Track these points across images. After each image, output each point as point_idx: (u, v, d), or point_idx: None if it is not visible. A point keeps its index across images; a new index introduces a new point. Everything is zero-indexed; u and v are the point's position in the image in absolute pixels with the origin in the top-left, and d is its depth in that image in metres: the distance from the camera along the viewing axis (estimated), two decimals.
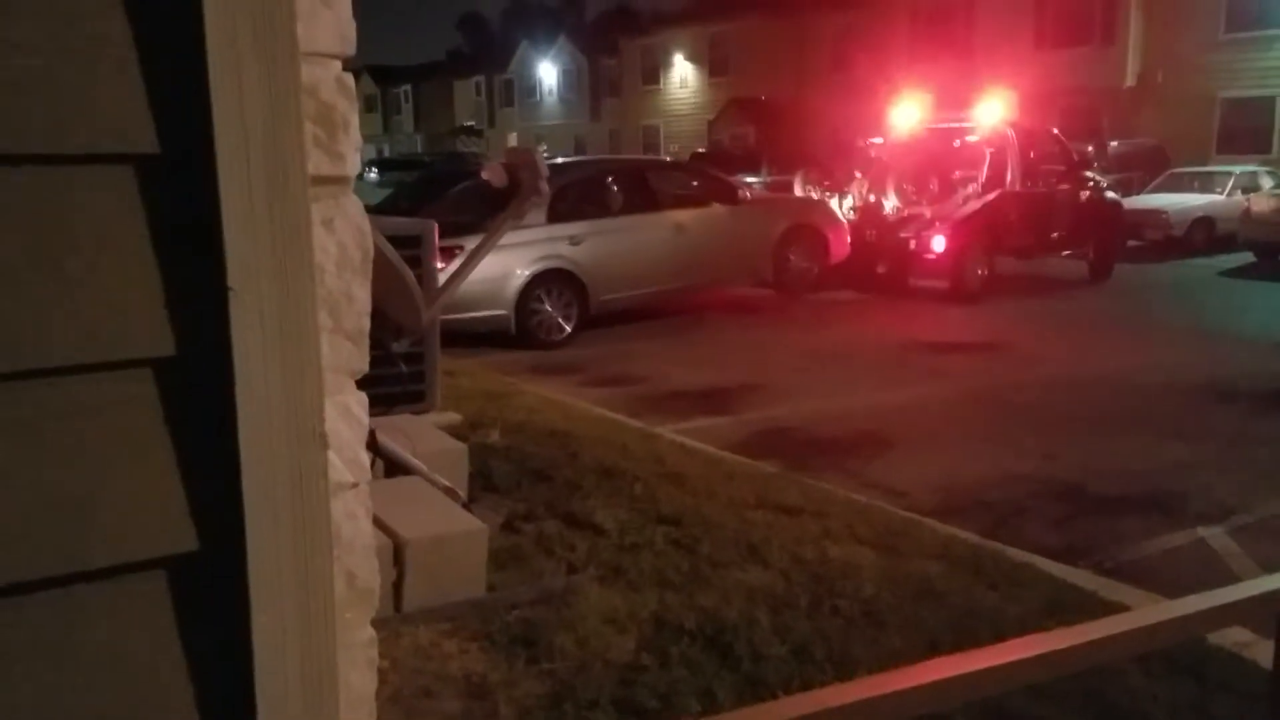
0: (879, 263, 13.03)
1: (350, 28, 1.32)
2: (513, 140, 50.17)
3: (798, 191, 16.21)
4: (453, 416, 4.80)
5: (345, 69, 1.31)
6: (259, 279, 1.14)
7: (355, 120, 1.32)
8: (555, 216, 10.00)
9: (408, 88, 60.29)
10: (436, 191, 12.37)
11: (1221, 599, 1.51)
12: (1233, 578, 4.15)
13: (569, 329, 10.09)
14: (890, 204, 13.71)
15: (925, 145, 14.04)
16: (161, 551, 1.10)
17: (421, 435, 4.02)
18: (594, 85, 46.14)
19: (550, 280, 10.00)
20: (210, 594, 1.13)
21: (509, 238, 8.82)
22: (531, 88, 50.26)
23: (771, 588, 3.53)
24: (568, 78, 47.94)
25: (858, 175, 14.22)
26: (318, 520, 1.22)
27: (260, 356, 1.14)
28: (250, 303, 1.13)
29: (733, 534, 4.00)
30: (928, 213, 12.86)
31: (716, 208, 11.65)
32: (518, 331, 9.73)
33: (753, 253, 11.88)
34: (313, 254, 1.22)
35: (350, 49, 1.32)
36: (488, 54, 58.56)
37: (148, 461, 1.10)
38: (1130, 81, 24.80)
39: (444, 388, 5.18)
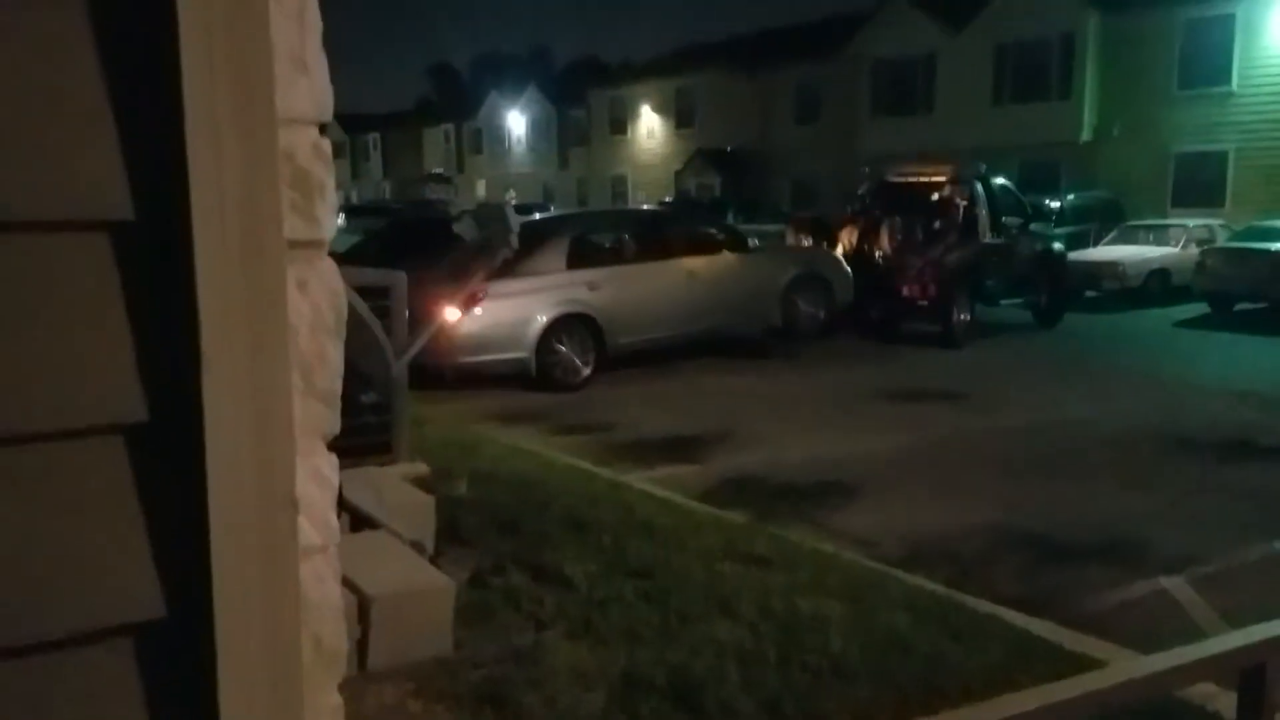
0: (871, 309, 13.54)
1: (327, 94, 1.34)
2: (481, 188, 50.38)
3: (789, 241, 16.83)
4: (419, 468, 4.77)
5: (322, 134, 1.33)
6: (233, 344, 1.14)
7: (331, 184, 1.34)
8: (574, 263, 10.38)
9: (376, 135, 60.51)
10: (407, 239, 12.42)
11: (1190, 655, 1.54)
12: (1194, 628, 4.19)
13: (587, 372, 10.29)
14: (880, 252, 14.11)
15: (906, 196, 14.45)
16: (129, 618, 1.08)
17: (388, 488, 3.98)
18: (562, 134, 46.56)
19: (569, 324, 10.24)
20: (177, 661, 1.12)
21: (529, 282, 9.51)
22: (500, 136, 50.61)
23: (741, 641, 3.52)
24: (536, 127, 48.34)
25: (846, 224, 14.68)
26: (287, 586, 1.22)
27: (232, 422, 1.14)
28: (223, 368, 1.13)
29: (702, 586, 3.99)
30: (918, 261, 13.19)
31: (727, 255, 12.05)
32: (538, 374, 9.98)
33: (762, 299, 12.25)
34: (287, 318, 1.22)
35: (327, 115, 1.33)
36: (457, 103, 58.96)
37: (116, 528, 1.09)
38: (1086, 136, 25.43)
39: (411, 438, 5.15)
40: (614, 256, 11.05)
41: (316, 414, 1.35)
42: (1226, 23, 22.66)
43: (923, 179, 14.74)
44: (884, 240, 14.26)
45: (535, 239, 9.92)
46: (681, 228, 12.92)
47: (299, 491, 1.25)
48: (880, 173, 15.56)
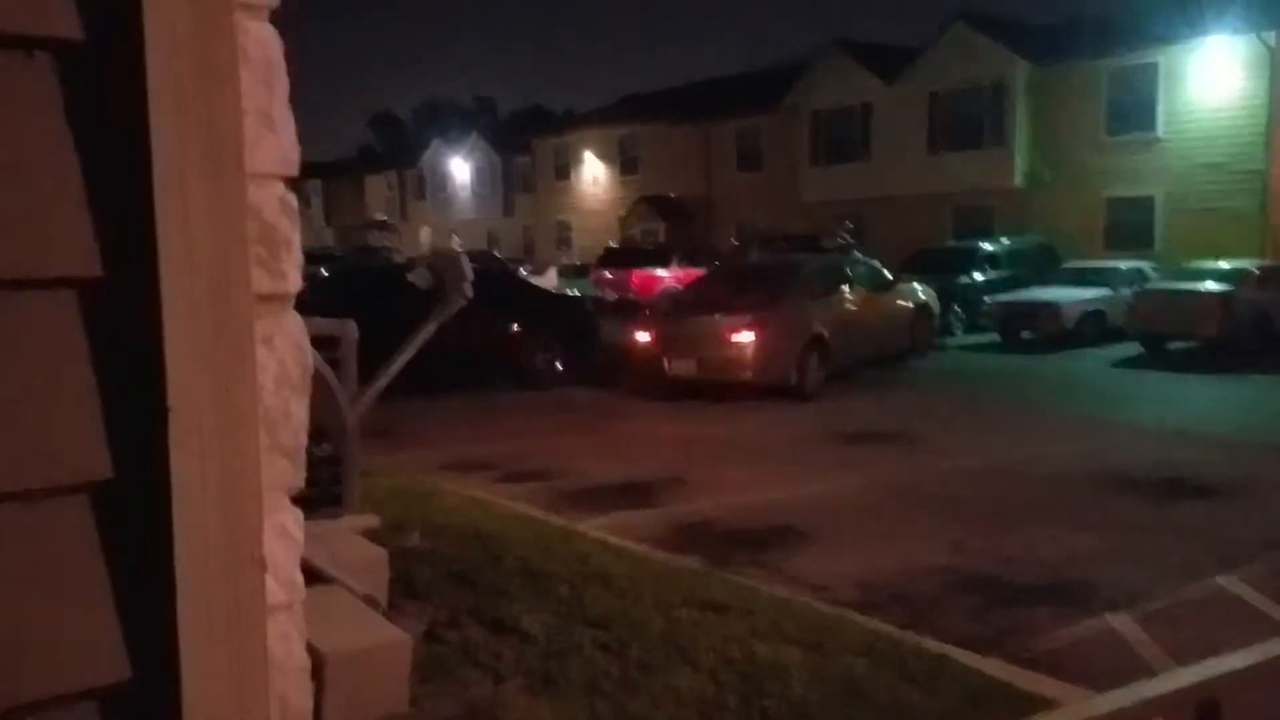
0: None
1: (294, 150, 1.35)
2: (425, 234, 50.21)
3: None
4: (370, 520, 4.69)
5: (288, 189, 1.34)
6: (200, 400, 1.14)
7: (297, 239, 1.34)
8: (810, 295, 13.01)
9: (318, 182, 60.16)
10: (352, 286, 12.39)
11: (1145, 693, 1.57)
12: (1143, 665, 4.26)
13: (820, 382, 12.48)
14: None
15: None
16: (94, 682, 1.06)
17: (339, 541, 3.92)
18: (507, 181, 46.70)
19: (811, 346, 12.41)
20: None
21: (785, 313, 12.31)
22: (444, 183, 50.61)
23: (701, 691, 3.50)
24: (481, 174, 48.44)
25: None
26: (253, 646, 1.20)
27: (199, 479, 1.13)
28: (190, 424, 1.13)
29: (660, 635, 3.97)
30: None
31: (889, 291, 15.13)
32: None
33: (902, 329, 15.27)
34: (255, 373, 1.22)
35: (293, 170, 1.34)
36: (400, 150, 58.94)
37: (81, 588, 1.07)
38: (1019, 182, 26.14)
39: (362, 488, 5.08)
40: (827, 292, 13.47)
41: (281, 469, 1.35)
42: (1150, 71, 23.55)
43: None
44: None
45: (778, 279, 13.34)
46: (864, 267, 15.39)
47: (265, 549, 1.24)
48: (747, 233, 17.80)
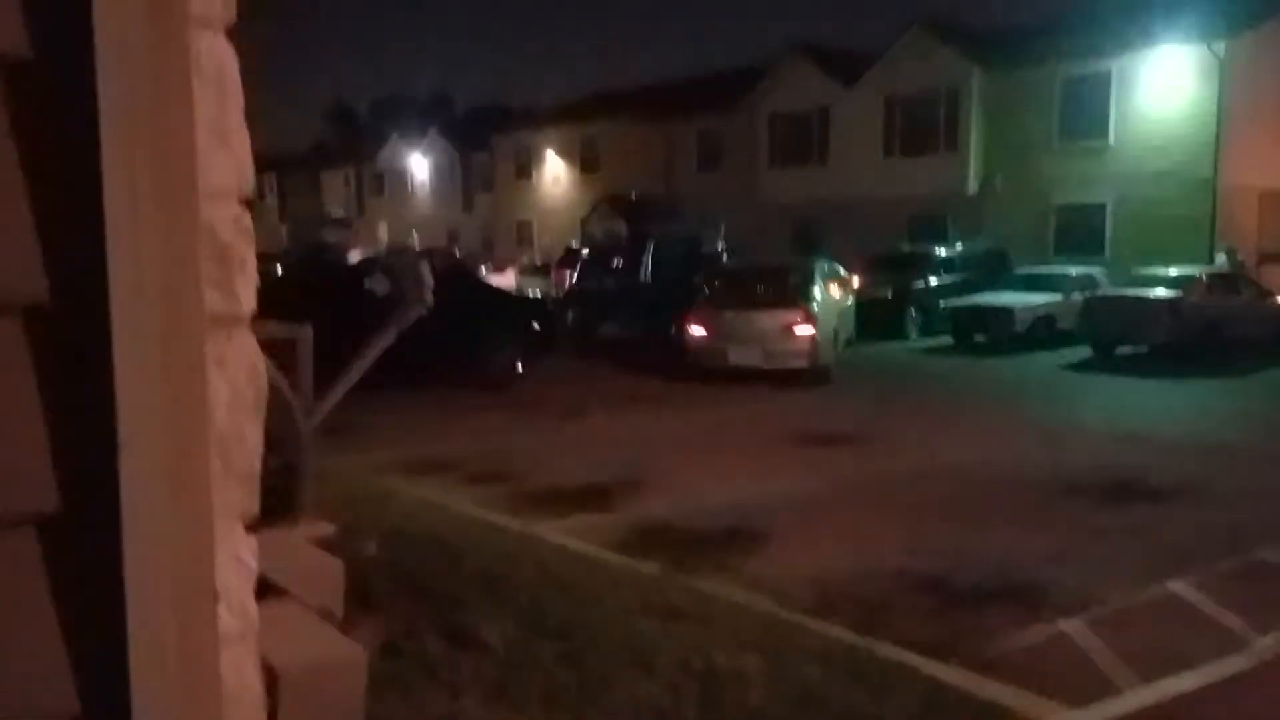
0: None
1: (249, 167, 1.32)
2: (383, 230, 49.73)
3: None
4: (325, 527, 4.60)
5: (242, 207, 1.30)
6: (151, 427, 1.10)
7: (252, 258, 1.31)
8: (823, 292, 15.29)
9: (273, 176, 59.34)
10: (309, 284, 12.22)
11: (1106, 713, 1.58)
12: (1096, 670, 4.33)
13: None
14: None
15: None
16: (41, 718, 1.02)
17: (293, 552, 3.83)
18: (466, 178, 46.39)
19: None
20: None
21: (827, 306, 14.71)
22: (402, 179, 50.17)
23: (660, 701, 3.49)
24: (439, 170, 48.08)
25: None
26: (207, 679, 1.17)
27: (150, 510, 1.10)
28: (141, 453, 1.09)
29: (620, 644, 3.95)
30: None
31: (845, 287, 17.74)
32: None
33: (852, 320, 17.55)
34: (207, 398, 1.18)
35: (249, 188, 1.31)
36: (356, 145, 58.26)
37: (27, 623, 1.03)
38: (973, 187, 26.49)
39: (316, 493, 4.99)
40: (827, 289, 15.41)
41: (235, 496, 1.31)
42: (1103, 79, 23.95)
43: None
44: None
45: (796, 279, 14.94)
46: (830, 267, 16.95)
47: (218, 579, 1.21)
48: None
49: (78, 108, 1.05)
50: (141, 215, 1.10)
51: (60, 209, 1.06)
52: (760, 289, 14.87)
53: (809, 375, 13.46)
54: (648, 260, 19.61)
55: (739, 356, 13.68)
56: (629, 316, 19.40)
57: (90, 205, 1.06)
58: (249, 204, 1.32)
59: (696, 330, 14.25)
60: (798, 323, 13.68)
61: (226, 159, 1.27)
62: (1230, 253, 20.17)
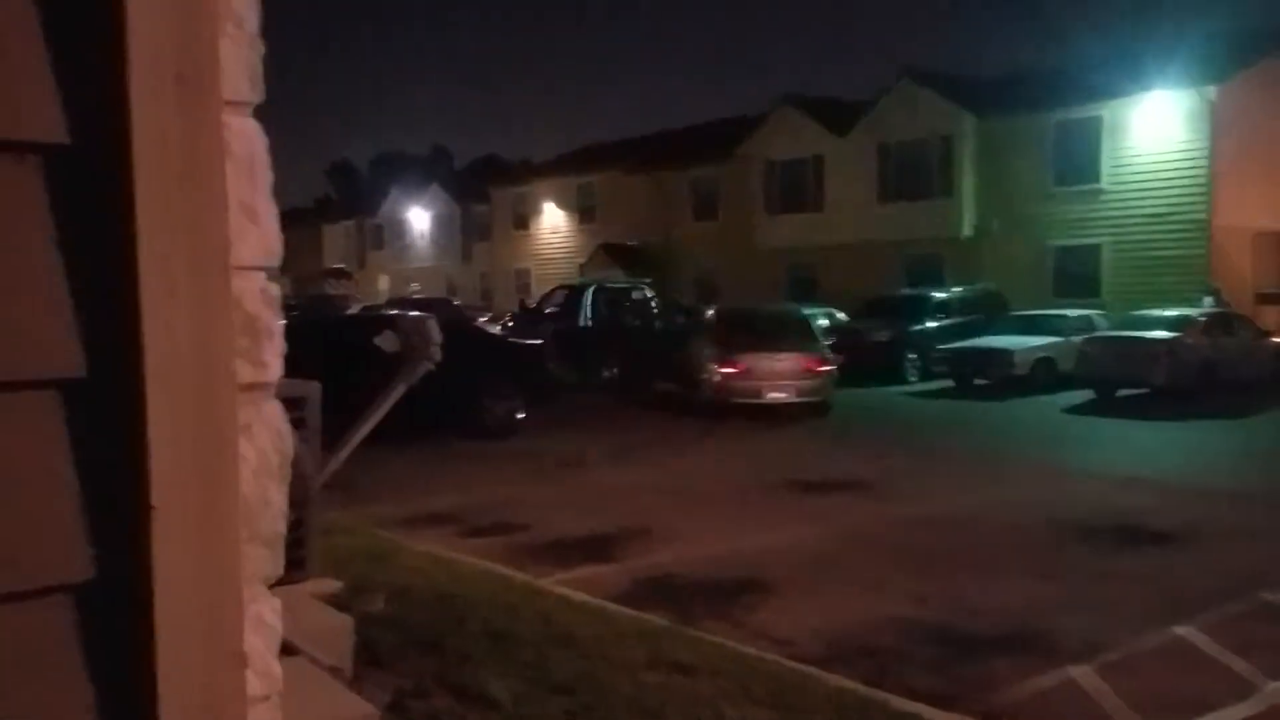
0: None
1: (277, 242, 1.36)
2: (384, 282, 49.94)
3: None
4: (332, 584, 4.61)
5: (269, 279, 1.35)
6: (183, 495, 1.13)
7: (279, 328, 1.35)
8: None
9: None
10: (313, 337, 12.27)
11: None
12: (1103, 716, 4.31)
13: None
14: None
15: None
16: None
17: (302, 609, 3.84)
18: (465, 229, 46.71)
19: None
20: None
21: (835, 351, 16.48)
22: (402, 231, 50.51)
23: None
24: (439, 222, 48.43)
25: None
26: None
27: (181, 575, 1.13)
28: (173, 521, 1.12)
29: (627, 699, 3.94)
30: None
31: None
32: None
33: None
34: (237, 466, 1.22)
35: (276, 261, 1.35)
36: (357, 199, 58.78)
37: (61, 690, 1.06)
38: (968, 232, 26.67)
39: (322, 549, 4.99)
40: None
41: (260, 559, 1.34)
42: (1094, 124, 24.22)
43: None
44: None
45: (797, 324, 17.16)
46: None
47: (244, 642, 1.23)
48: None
49: (114, 191, 1.10)
50: (176, 293, 1.14)
51: (98, 289, 1.10)
52: (773, 333, 16.44)
53: (821, 407, 15.38)
54: (586, 306, 22.05)
55: (772, 392, 15.33)
56: (571, 358, 20.26)
57: (126, 285, 1.10)
58: (274, 276, 1.36)
59: (729, 370, 15.58)
60: (821, 362, 15.75)
61: (255, 235, 1.32)
62: (1215, 293, 20.24)
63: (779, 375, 15.40)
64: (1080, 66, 26.16)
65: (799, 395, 15.38)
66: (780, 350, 15.73)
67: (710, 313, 18.75)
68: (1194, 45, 23.84)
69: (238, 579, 1.21)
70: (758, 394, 15.27)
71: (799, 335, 16.50)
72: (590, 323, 21.80)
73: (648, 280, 26.63)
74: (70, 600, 1.06)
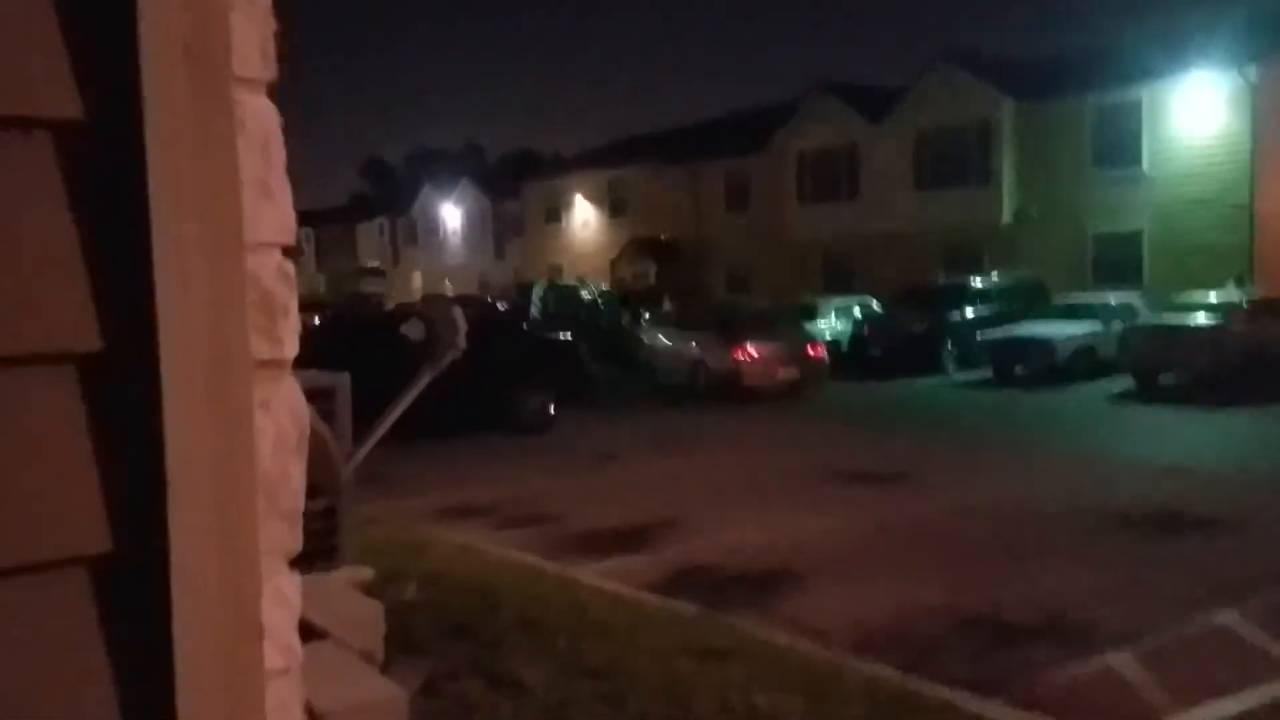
0: None
1: (291, 218, 1.36)
2: (417, 279, 50.27)
3: None
4: (365, 572, 4.64)
5: (285, 256, 1.35)
6: (198, 469, 1.14)
7: (295, 305, 1.35)
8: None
9: (309, 230, 60.37)
10: (346, 334, 12.39)
11: None
12: (1144, 705, 4.24)
13: None
14: None
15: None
16: None
17: (333, 595, 3.88)
18: (497, 225, 46.90)
19: None
20: None
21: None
22: (435, 228, 50.81)
23: None
24: (471, 218, 48.65)
25: None
26: (252, 713, 1.19)
27: (198, 548, 1.13)
28: (189, 493, 1.13)
29: (659, 685, 3.94)
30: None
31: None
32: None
33: None
34: (253, 440, 1.22)
35: (291, 238, 1.36)
36: (391, 197, 59.19)
37: (79, 663, 1.07)
38: (1007, 219, 26.32)
39: (356, 539, 5.04)
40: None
41: (279, 534, 1.35)
42: (1134, 108, 23.80)
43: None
44: None
45: (773, 316, 20.59)
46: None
47: (263, 616, 1.24)
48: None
49: (127, 167, 1.10)
50: (190, 269, 1.14)
51: (112, 264, 1.11)
52: (773, 326, 18.89)
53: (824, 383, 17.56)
54: (536, 301, 25.55)
55: (783, 374, 17.26)
56: None
57: (140, 260, 1.11)
58: (291, 253, 1.37)
59: (747, 356, 17.34)
60: (818, 348, 18.25)
61: (270, 212, 1.32)
62: (1240, 280, 19.79)
63: (785, 360, 17.39)
64: (1119, 48, 25.68)
65: (802, 373, 17.44)
66: (784, 339, 18.09)
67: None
68: (1235, 24, 23.32)
69: (255, 552, 1.21)
70: (772, 378, 17.04)
71: (790, 326, 19.43)
72: (540, 316, 24.75)
73: (595, 280, 30.81)
74: (89, 572, 1.07)
